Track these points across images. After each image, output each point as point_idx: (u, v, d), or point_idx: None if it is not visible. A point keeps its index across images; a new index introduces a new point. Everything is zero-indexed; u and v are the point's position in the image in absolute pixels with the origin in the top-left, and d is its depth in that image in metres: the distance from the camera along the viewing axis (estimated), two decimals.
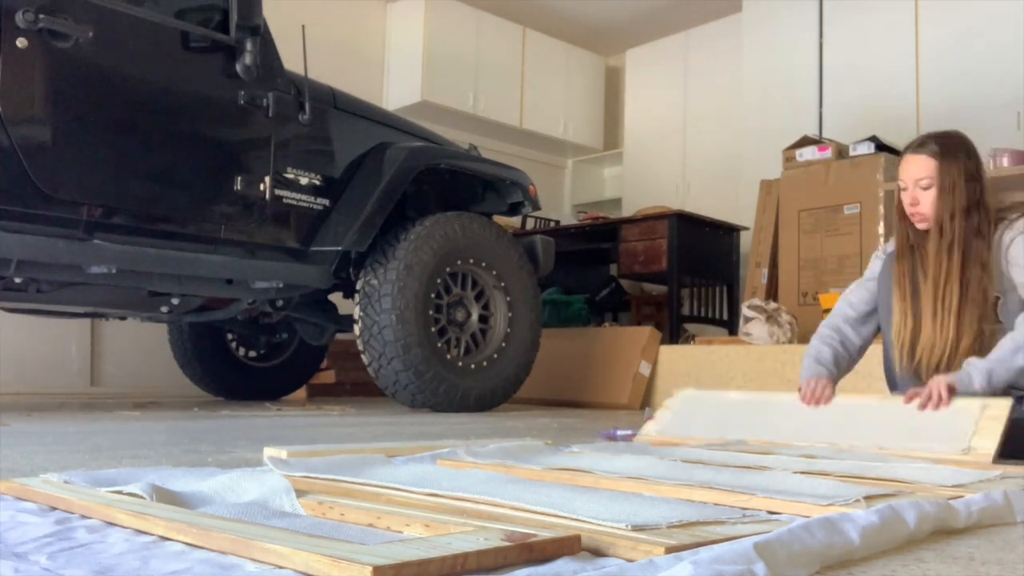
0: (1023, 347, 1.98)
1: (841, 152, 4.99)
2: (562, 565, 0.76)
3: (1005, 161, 4.34)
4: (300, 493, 1.07)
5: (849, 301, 2.35)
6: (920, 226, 2.16)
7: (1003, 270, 2.09)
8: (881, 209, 4.55)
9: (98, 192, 2.74)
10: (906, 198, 2.15)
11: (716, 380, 4.35)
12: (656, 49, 7.34)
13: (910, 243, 2.19)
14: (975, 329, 2.05)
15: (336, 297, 3.92)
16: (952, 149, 2.12)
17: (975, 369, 1.98)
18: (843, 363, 2.30)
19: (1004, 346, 2.00)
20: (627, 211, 6.90)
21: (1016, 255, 2.06)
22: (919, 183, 2.12)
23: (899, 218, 2.21)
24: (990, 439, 1.73)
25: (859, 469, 1.46)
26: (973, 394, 1.95)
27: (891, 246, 2.31)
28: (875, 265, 2.35)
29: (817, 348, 2.31)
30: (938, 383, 1.95)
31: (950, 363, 2.07)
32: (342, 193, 3.37)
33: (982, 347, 2.04)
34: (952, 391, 1.94)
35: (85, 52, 2.68)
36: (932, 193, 2.11)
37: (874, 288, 2.31)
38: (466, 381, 3.52)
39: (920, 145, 2.15)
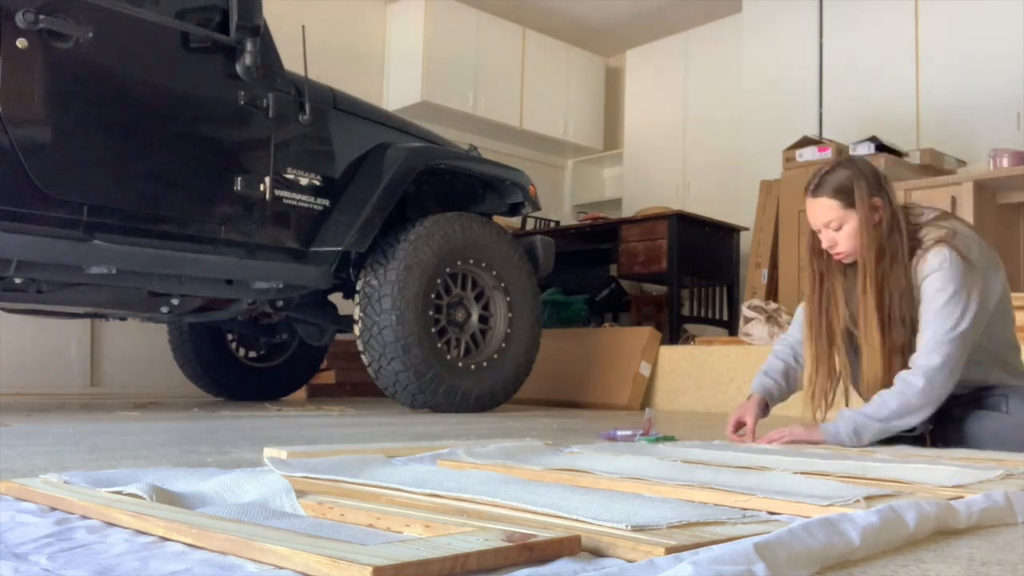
0: (903, 411, 1.99)
1: (841, 153, 4.99)
2: (562, 565, 0.76)
3: (1005, 161, 4.34)
4: (300, 493, 1.07)
5: (801, 320, 2.32)
6: (846, 261, 2.12)
7: (917, 298, 2.05)
8: None
9: (98, 192, 2.74)
10: (823, 240, 2.11)
11: (716, 381, 4.35)
12: (656, 49, 7.35)
13: (822, 279, 2.17)
14: (902, 360, 2.04)
15: (336, 297, 3.92)
16: (855, 181, 2.04)
17: (844, 421, 2.04)
18: (793, 377, 2.32)
19: (884, 402, 2.01)
20: (627, 211, 6.91)
21: (927, 292, 2.01)
22: (828, 226, 2.08)
23: (811, 255, 2.19)
24: None
25: (859, 469, 1.46)
26: (840, 443, 2.04)
27: None
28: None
29: (769, 362, 2.35)
30: (793, 431, 2.07)
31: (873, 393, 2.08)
32: (342, 193, 3.37)
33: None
34: (803, 441, 2.06)
35: (85, 53, 2.68)
36: (845, 231, 2.06)
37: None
38: (466, 381, 3.52)
39: (817, 187, 2.09)
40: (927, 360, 1.98)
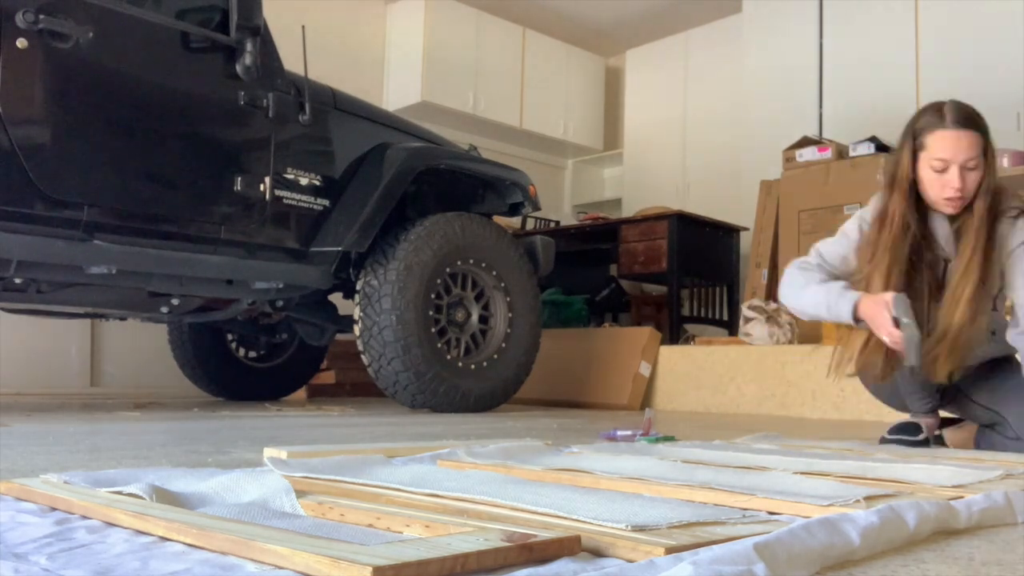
0: None
1: (841, 153, 4.99)
2: (562, 566, 0.76)
3: (1005, 162, 4.34)
4: (300, 494, 1.07)
5: (831, 249, 2.16)
6: (951, 210, 1.97)
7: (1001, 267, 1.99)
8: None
9: (98, 192, 2.74)
10: (948, 180, 1.91)
11: (716, 381, 4.35)
12: (656, 49, 7.35)
13: (917, 229, 1.99)
14: (986, 311, 1.97)
15: (336, 298, 3.92)
16: (985, 124, 1.96)
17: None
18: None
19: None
20: (627, 211, 6.91)
21: (1020, 253, 1.96)
22: (967, 163, 1.91)
23: (909, 206, 1.98)
24: None
25: (859, 469, 1.46)
26: None
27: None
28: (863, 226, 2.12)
29: (823, 277, 2.07)
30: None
31: (957, 350, 1.94)
32: (342, 193, 3.37)
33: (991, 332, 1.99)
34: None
35: (85, 53, 2.68)
36: (976, 174, 1.92)
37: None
38: (466, 381, 3.52)
39: (958, 119, 1.92)
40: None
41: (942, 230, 2.06)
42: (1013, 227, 1.99)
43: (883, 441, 2.18)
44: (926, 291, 2.01)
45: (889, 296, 1.89)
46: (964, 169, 1.92)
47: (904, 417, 2.23)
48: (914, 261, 2.01)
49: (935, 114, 1.97)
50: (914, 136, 2.01)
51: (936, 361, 1.95)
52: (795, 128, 5.54)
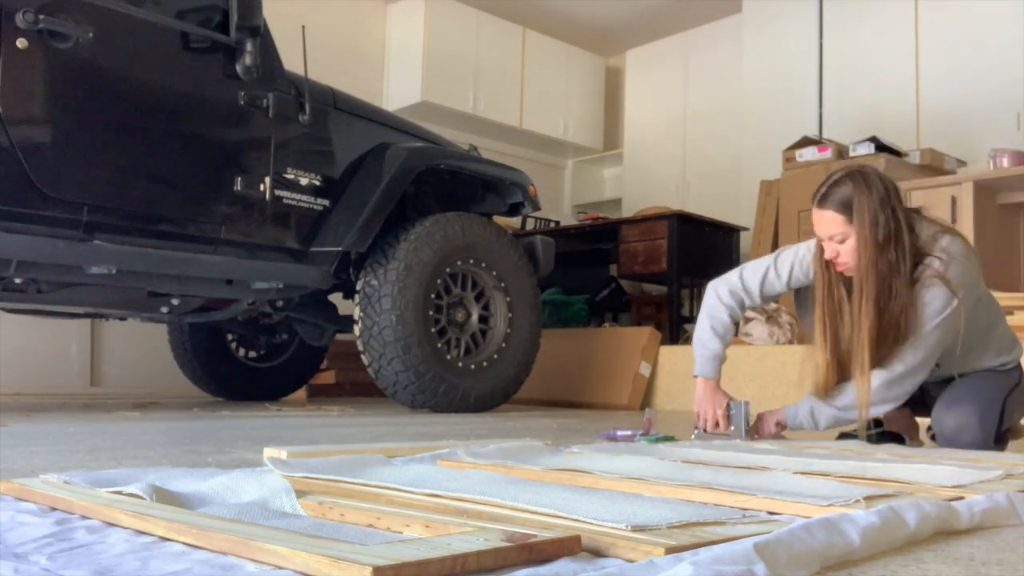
0: (858, 404, 2.10)
1: (841, 153, 4.99)
2: (562, 566, 0.76)
3: (1005, 162, 4.34)
4: (300, 494, 1.07)
5: (758, 284, 2.32)
6: (848, 274, 2.13)
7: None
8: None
9: (98, 192, 2.74)
10: (827, 252, 2.11)
11: None
12: (656, 50, 7.35)
13: (830, 289, 2.16)
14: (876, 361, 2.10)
15: (336, 298, 3.92)
16: (857, 197, 2.04)
17: (803, 405, 2.23)
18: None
19: (844, 392, 2.14)
20: (627, 211, 6.91)
21: (926, 303, 2.04)
22: (833, 238, 2.07)
23: (821, 266, 2.17)
24: None
25: (859, 469, 1.46)
26: (798, 425, 2.24)
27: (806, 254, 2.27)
28: (795, 270, 2.29)
29: (721, 320, 2.34)
30: (767, 421, 2.30)
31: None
32: (342, 194, 3.37)
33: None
34: (781, 426, 2.30)
35: (85, 53, 2.68)
36: (849, 244, 2.06)
37: (784, 290, 2.33)
38: (466, 381, 3.52)
39: (823, 198, 2.08)
40: (892, 365, 2.08)
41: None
42: (921, 290, 2.08)
43: (840, 437, 2.37)
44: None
45: (742, 403, 2.38)
46: (832, 242, 2.10)
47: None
48: (840, 304, 2.17)
49: (815, 191, 2.15)
50: None
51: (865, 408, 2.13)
52: (795, 128, 5.54)
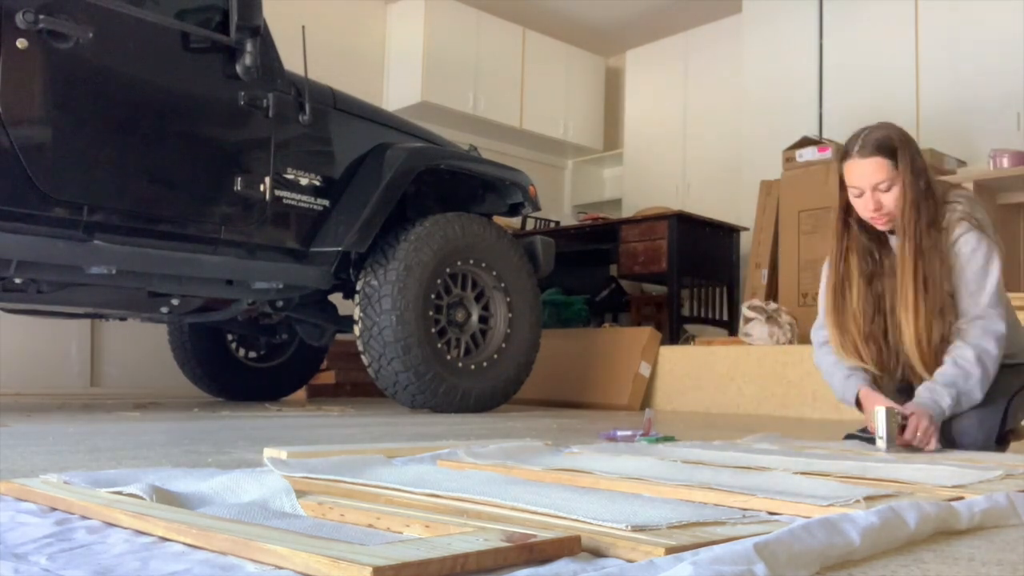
0: (973, 392, 1.99)
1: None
2: (562, 566, 0.76)
3: (1005, 162, 4.34)
4: (300, 494, 1.07)
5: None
6: (884, 227, 2.10)
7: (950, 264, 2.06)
8: None
9: (98, 193, 2.74)
10: (865, 203, 2.06)
11: (716, 381, 4.35)
12: (656, 50, 7.35)
13: (855, 252, 2.13)
14: (942, 323, 2.02)
15: (336, 298, 3.92)
16: (899, 144, 2.04)
17: (942, 394, 1.99)
18: None
19: (958, 375, 1.99)
20: (627, 212, 6.91)
21: (964, 253, 2.02)
22: (878, 187, 2.04)
23: (841, 229, 2.13)
24: None
25: (859, 470, 1.46)
26: (943, 415, 2.00)
27: None
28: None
29: (837, 361, 2.20)
30: (919, 417, 1.96)
31: (928, 358, 2.03)
32: (342, 194, 3.37)
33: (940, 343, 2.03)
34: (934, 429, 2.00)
35: (85, 53, 2.68)
36: (894, 192, 2.03)
37: None
38: (466, 382, 3.52)
39: (865, 147, 2.05)
40: (984, 343, 1.99)
41: (896, 246, 2.17)
42: (955, 221, 2.06)
43: (846, 437, 2.29)
44: (887, 302, 2.12)
45: (877, 409, 2.03)
46: (877, 191, 2.05)
47: None
48: (869, 275, 2.14)
49: (848, 145, 2.12)
50: (839, 167, 2.16)
51: (920, 376, 2.06)
52: (795, 128, 5.54)
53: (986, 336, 2.00)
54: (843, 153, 2.12)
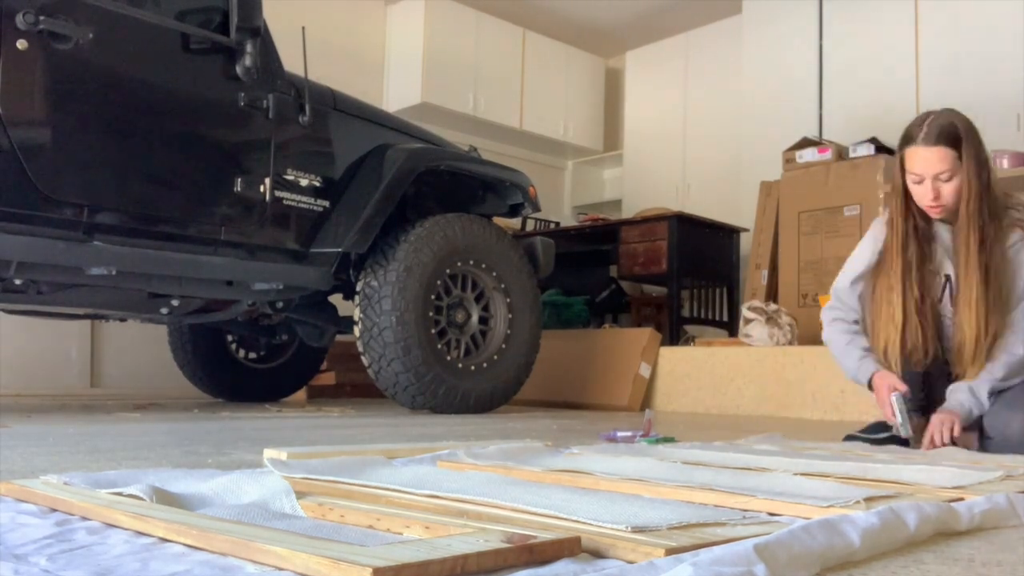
0: (1010, 376, 2.02)
1: (841, 154, 4.99)
2: (562, 567, 0.76)
3: (1005, 163, 4.35)
4: (300, 495, 1.07)
5: (847, 293, 2.29)
6: (938, 216, 2.09)
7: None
8: (881, 210, 4.55)
9: (98, 193, 2.74)
10: (923, 191, 2.04)
11: (716, 382, 4.35)
12: (656, 51, 7.35)
13: (916, 235, 2.11)
14: (1004, 313, 2.02)
15: (336, 299, 3.92)
16: (964, 134, 2.02)
17: (967, 395, 2.04)
18: None
19: (991, 373, 2.03)
20: (627, 213, 6.91)
21: (1015, 260, 2.04)
22: (939, 176, 2.02)
23: (904, 211, 2.10)
24: None
25: (859, 471, 1.46)
26: (971, 417, 2.05)
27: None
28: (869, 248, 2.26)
29: (856, 341, 2.22)
30: (941, 422, 2.02)
31: (981, 352, 2.04)
32: (342, 195, 3.37)
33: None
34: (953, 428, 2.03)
35: (85, 54, 2.68)
36: (953, 183, 2.01)
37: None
38: (466, 382, 3.52)
39: (929, 135, 2.03)
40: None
41: (945, 235, 2.17)
42: (1011, 231, 2.07)
43: (846, 438, 2.31)
44: (936, 289, 2.14)
45: (893, 395, 2.09)
46: (937, 181, 2.03)
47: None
48: (922, 259, 2.13)
49: (912, 130, 2.11)
50: (900, 151, 2.15)
51: (967, 369, 2.07)
52: (795, 129, 5.54)
53: (1017, 340, 2.01)
54: (905, 138, 2.10)
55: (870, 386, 2.18)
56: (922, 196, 2.06)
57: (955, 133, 2.02)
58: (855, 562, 0.84)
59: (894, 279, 2.11)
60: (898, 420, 2.10)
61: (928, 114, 2.11)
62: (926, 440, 2.05)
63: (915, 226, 2.12)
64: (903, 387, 2.10)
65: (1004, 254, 2.03)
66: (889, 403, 2.11)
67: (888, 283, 2.12)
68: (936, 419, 2.05)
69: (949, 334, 2.13)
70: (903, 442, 2.30)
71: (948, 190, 2.03)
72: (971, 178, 2.01)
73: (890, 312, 2.12)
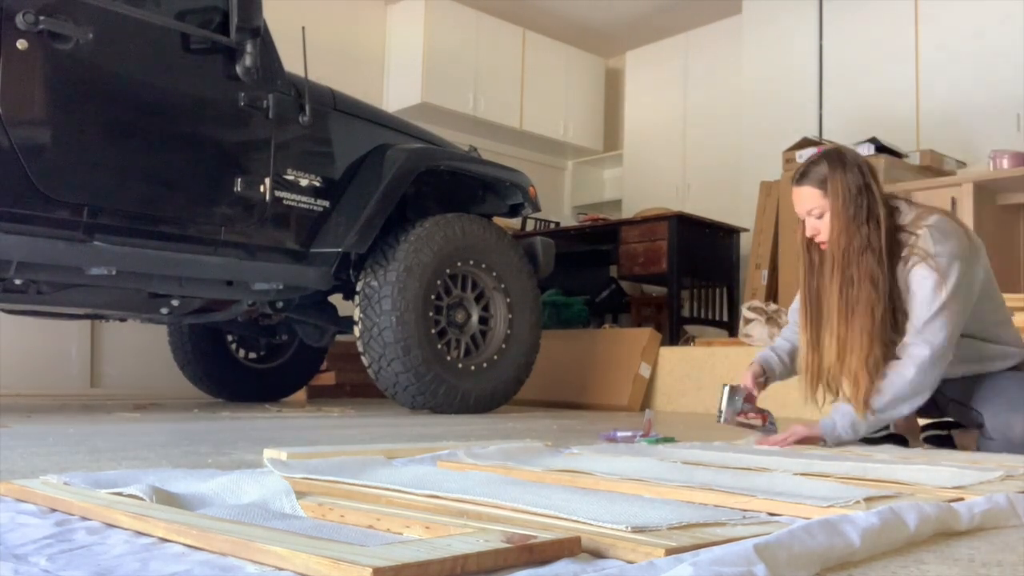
0: (897, 401, 2.04)
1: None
2: (562, 567, 0.76)
3: (1005, 163, 4.34)
4: (300, 495, 1.07)
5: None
6: (824, 248, 2.17)
7: (905, 297, 2.09)
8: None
9: (98, 193, 2.74)
10: (807, 229, 2.17)
11: (716, 382, 4.35)
12: (656, 51, 7.35)
13: (812, 269, 2.20)
14: (864, 347, 2.04)
15: (336, 299, 3.92)
16: (833, 170, 2.10)
17: (840, 415, 2.10)
18: (796, 360, 2.32)
19: (879, 392, 2.04)
20: (627, 212, 6.91)
21: (913, 285, 2.06)
22: (811, 213, 2.13)
23: (804, 247, 2.21)
24: None
25: (859, 471, 1.46)
26: (837, 438, 2.10)
27: None
28: None
29: (776, 342, 2.47)
30: (795, 430, 2.13)
31: (842, 382, 2.12)
32: (342, 195, 3.37)
33: (875, 363, 2.05)
34: (806, 440, 2.12)
35: (85, 54, 2.68)
36: (826, 218, 2.11)
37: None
38: (466, 383, 3.52)
39: (802, 176, 2.16)
40: (917, 350, 2.04)
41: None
42: (906, 266, 2.09)
43: None
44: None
45: (723, 388, 2.35)
46: (811, 217, 2.15)
47: None
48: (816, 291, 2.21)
49: (794, 172, 2.23)
50: None
51: (848, 391, 2.11)
52: (795, 129, 5.54)
53: (907, 363, 2.04)
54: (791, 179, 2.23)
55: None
56: (806, 231, 2.18)
57: (821, 170, 2.12)
58: (855, 562, 0.84)
59: (801, 312, 2.22)
60: (720, 408, 2.33)
61: (810, 157, 2.23)
62: (774, 439, 2.15)
63: (814, 258, 2.21)
64: (749, 383, 2.32)
65: (880, 283, 2.06)
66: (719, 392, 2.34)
67: (800, 314, 2.24)
68: (797, 428, 2.15)
69: None
70: (901, 441, 2.31)
71: (824, 226, 2.12)
72: (833, 214, 2.09)
73: (800, 343, 2.23)
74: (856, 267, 2.06)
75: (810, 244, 2.20)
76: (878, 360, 2.05)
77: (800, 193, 2.16)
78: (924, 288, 2.04)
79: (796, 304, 2.34)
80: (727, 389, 2.33)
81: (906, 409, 2.09)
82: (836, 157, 2.15)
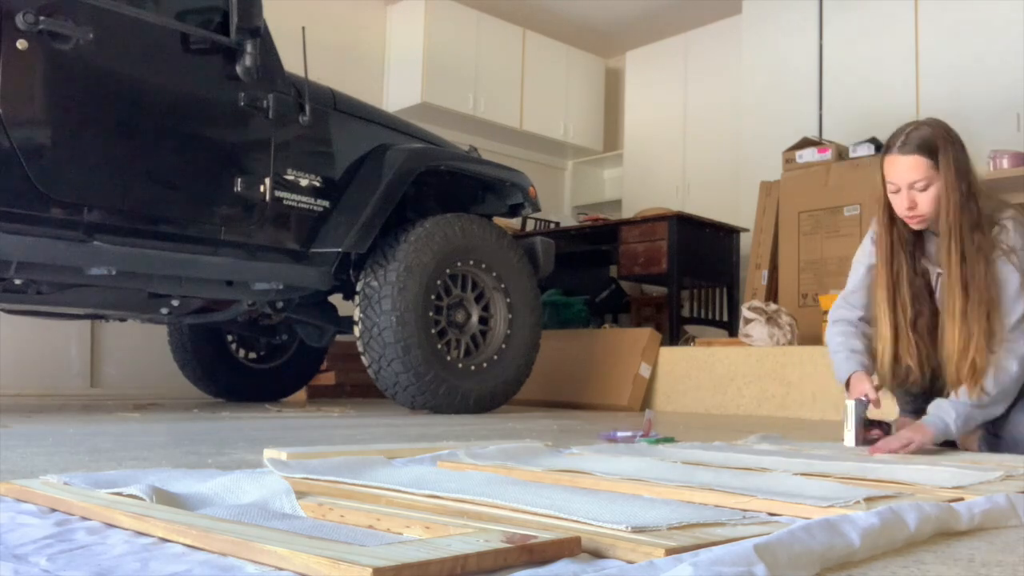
0: (1000, 397, 1.96)
1: (841, 154, 5.00)
2: (562, 567, 0.76)
3: (1005, 163, 4.34)
4: (300, 495, 1.07)
5: (854, 296, 2.27)
6: (918, 226, 2.07)
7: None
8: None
9: (98, 194, 2.74)
10: (900, 200, 2.03)
11: (716, 382, 4.35)
12: (656, 51, 7.35)
13: (902, 246, 2.10)
14: (984, 328, 1.96)
15: (336, 299, 3.92)
16: (941, 143, 2.01)
17: (949, 413, 1.96)
18: (871, 355, 2.19)
19: (983, 389, 1.96)
20: (627, 213, 6.91)
21: (1001, 273, 2.00)
22: (914, 185, 2.00)
23: (887, 222, 2.10)
24: None
25: (859, 471, 1.46)
26: (948, 436, 1.98)
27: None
28: (865, 254, 2.25)
29: (850, 343, 2.20)
30: (909, 436, 1.95)
31: (964, 366, 1.97)
32: (342, 195, 3.37)
33: (991, 344, 1.97)
34: (924, 444, 1.95)
35: (85, 54, 2.68)
36: (930, 193, 1.99)
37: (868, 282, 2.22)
38: (466, 383, 3.52)
39: (906, 144, 2.02)
40: (1018, 345, 1.96)
41: (931, 245, 2.15)
42: (995, 240, 2.03)
43: None
44: (924, 297, 2.12)
45: (850, 400, 2.11)
46: (913, 190, 2.02)
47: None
48: (913, 270, 2.12)
49: (891, 139, 2.10)
50: (881, 160, 2.13)
51: (954, 384, 2.00)
52: (795, 129, 5.54)
53: (1008, 357, 1.96)
54: (884, 147, 2.09)
55: (847, 386, 2.16)
56: (899, 206, 2.05)
57: (932, 141, 2.01)
58: (855, 562, 0.84)
59: (882, 294, 2.11)
60: (845, 425, 2.09)
61: (909, 124, 2.10)
62: (881, 444, 1.97)
63: (900, 237, 2.11)
64: (874, 395, 2.08)
65: (990, 267, 1.99)
66: (844, 410, 2.12)
67: (879, 296, 2.12)
68: (904, 433, 1.98)
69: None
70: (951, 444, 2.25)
71: (924, 199, 2.01)
72: (949, 188, 1.98)
73: (882, 328, 2.11)
74: (971, 244, 1.97)
75: (892, 223, 2.08)
76: (992, 342, 1.95)
77: (906, 163, 2.00)
78: (1011, 285, 1.97)
79: (852, 294, 2.22)
80: (852, 405, 2.06)
81: (1004, 407, 1.99)
82: (943, 128, 2.03)
